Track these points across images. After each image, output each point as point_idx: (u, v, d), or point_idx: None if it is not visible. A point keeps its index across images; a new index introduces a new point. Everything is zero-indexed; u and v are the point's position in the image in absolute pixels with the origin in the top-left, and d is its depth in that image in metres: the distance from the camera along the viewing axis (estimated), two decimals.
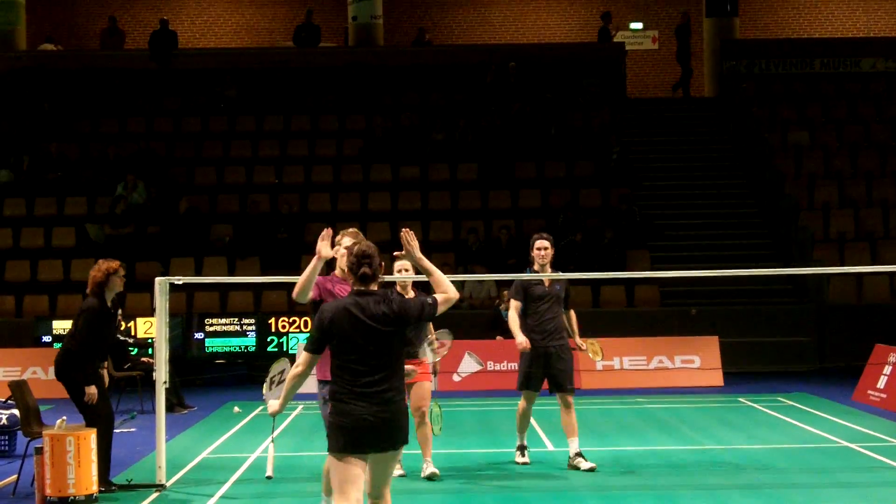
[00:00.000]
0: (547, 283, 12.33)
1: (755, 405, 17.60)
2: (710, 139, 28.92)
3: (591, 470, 12.13)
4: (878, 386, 17.39)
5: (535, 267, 12.34)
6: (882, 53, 30.25)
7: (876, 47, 30.75)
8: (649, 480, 11.83)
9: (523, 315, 12.42)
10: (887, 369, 17.31)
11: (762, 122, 28.12)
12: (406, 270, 11.42)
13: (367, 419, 7.44)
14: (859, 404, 17.40)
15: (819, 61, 30.14)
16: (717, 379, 20.24)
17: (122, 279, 11.69)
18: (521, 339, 12.27)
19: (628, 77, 31.80)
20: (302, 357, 7.66)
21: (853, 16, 35.61)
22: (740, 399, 18.35)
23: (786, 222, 25.35)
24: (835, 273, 21.99)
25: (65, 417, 11.33)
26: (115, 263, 11.70)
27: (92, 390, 11.33)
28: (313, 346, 7.63)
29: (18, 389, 12.29)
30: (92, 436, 10.96)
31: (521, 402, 12.61)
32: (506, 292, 21.55)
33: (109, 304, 11.62)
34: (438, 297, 7.86)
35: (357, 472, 7.50)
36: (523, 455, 12.73)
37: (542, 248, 12.26)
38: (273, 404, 8.11)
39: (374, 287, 7.67)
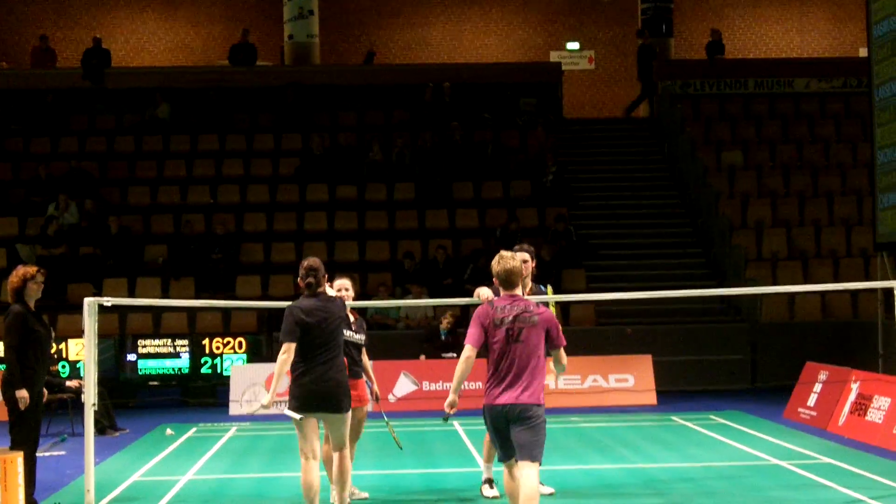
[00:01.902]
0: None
1: (688, 423, 17.69)
2: (645, 159, 29.12)
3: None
4: (808, 403, 17.54)
5: None
6: (815, 74, 30.57)
7: (809, 68, 31.09)
8: (581, 500, 11.83)
9: None
10: (817, 387, 17.47)
11: (696, 141, 28.36)
12: (346, 290, 11.37)
13: (313, 389, 10.17)
14: (790, 422, 17.54)
15: (753, 81, 30.43)
16: (650, 398, 20.32)
17: (41, 285, 11.54)
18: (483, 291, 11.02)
19: (565, 97, 31.98)
20: (284, 347, 10.17)
21: (787, 36, 36.11)
22: (673, 417, 18.43)
23: (719, 241, 25.57)
24: (767, 292, 22.18)
25: None
26: (32, 269, 11.59)
27: (23, 393, 11.09)
28: (291, 338, 10.17)
29: None
30: (19, 459, 10.78)
31: None
32: (449, 313, 21.55)
33: (34, 309, 11.47)
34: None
35: (307, 430, 10.30)
36: (492, 488, 11.97)
37: (523, 262, 11.48)
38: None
39: (320, 291, 10.39)
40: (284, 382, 10.54)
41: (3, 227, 25.58)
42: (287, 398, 10.45)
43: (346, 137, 28.25)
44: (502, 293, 9.60)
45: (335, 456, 10.55)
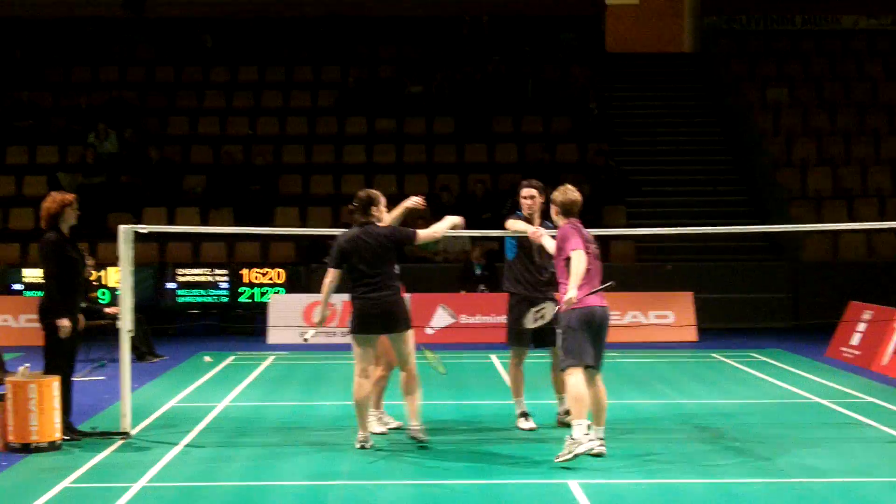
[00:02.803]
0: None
1: (728, 361, 17.54)
2: (690, 95, 28.76)
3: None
4: (851, 343, 17.35)
5: (524, 215, 11.69)
6: (863, 11, 30.03)
7: (857, 4, 30.48)
8: (617, 434, 11.68)
9: (515, 263, 11.72)
10: (861, 326, 17.27)
11: (741, 78, 27.96)
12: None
13: (364, 313, 10.74)
14: (832, 360, 17.37)
15: (800, 17, 29.95)
16: (690, 334, 20.16)
17: (77, 212, 11.46)
18: (532, 228, 11.41)
19: (608, 31, 31.53)
20: (328, 272, 10.84)
21: None
22: (714, 355, 18.28)
23: (763, 179, 25.27)
24: (811, 230, 21.94)
25: (28, 364, 11.16)
26: (69, 196, 11.51)
27: (64, 322, 11.04)
28: (333, 263, 10.83)
29: None
30: (55, 383, 10.82)
31: (512, 359, 11.97)
32: (478, 246, 21.49)
33: (68, 235, 11.42)
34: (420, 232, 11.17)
35: (362, 350, 10.84)
36: (528, 420, 11.92)
37: (529, 197, 11.63)
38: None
39: (368, 220, 10.88)
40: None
41: (44, 155, 25.63)
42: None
43: (385, 70, 28.01)
44: (563, 221, 10.57)
45: (402, 373, 11.01)
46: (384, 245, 10.84)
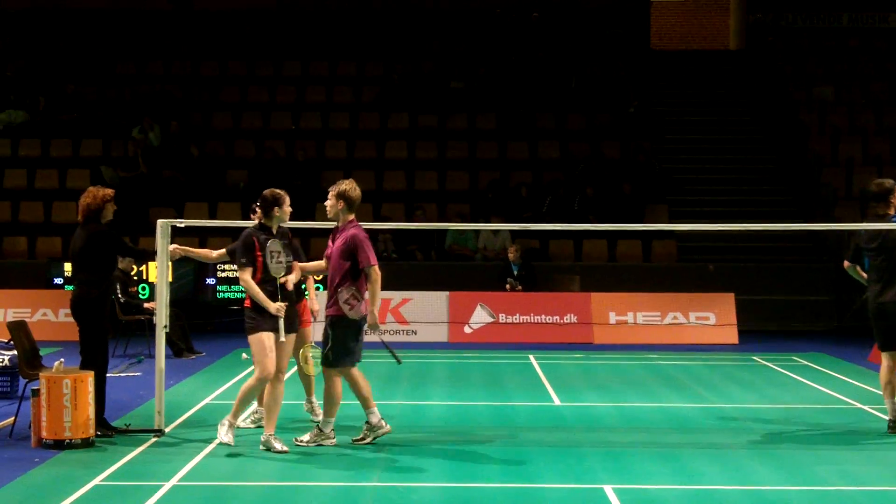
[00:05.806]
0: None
1: (769, 364, 17.36)
2: (735, 93, 28.51)
3: None
4: None
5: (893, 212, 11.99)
6: None
7: None
8: (654, 437, 11.61)
9: (871, 272, 11.89)
10: None
11: (787, 76, 27.68)
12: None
13: None
14: (875, 365, 17.07)
15: (847, 16, 29.67)
16: (731, 336, 19.98)
17: (114, 206, 11.54)
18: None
19: (653, 28, 31.36)
20: None
21: None
22: (754, 357, 18.09)
23: (808, 178, 24.99)
24: (856, 230, 21.61)
25: (62, 360, 11.15)
26: (108, 191, 11.55)
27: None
28: None
29: (17, 330, 12.07)
30: (90, 379, 10.78)
31: (888, 363, 11.71)
32: (516, 245, 21.33)
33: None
34: None
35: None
36: None
37: None
38: None
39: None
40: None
41: (88, 148, 25.74)
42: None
43: (428, 65, 27.95)
44: (350, 217, 10.89)
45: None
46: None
